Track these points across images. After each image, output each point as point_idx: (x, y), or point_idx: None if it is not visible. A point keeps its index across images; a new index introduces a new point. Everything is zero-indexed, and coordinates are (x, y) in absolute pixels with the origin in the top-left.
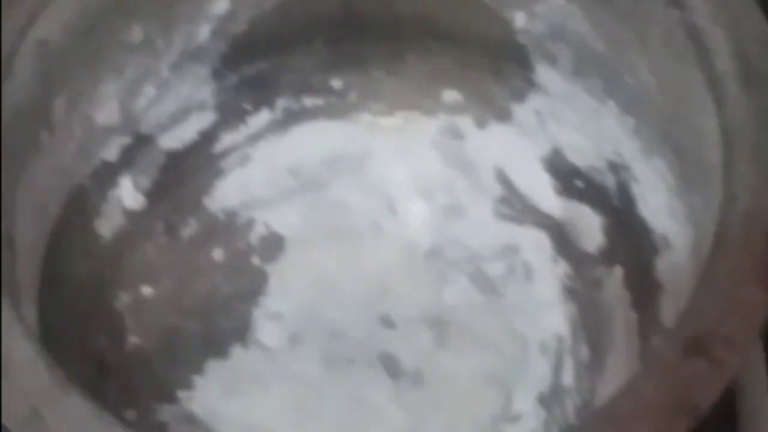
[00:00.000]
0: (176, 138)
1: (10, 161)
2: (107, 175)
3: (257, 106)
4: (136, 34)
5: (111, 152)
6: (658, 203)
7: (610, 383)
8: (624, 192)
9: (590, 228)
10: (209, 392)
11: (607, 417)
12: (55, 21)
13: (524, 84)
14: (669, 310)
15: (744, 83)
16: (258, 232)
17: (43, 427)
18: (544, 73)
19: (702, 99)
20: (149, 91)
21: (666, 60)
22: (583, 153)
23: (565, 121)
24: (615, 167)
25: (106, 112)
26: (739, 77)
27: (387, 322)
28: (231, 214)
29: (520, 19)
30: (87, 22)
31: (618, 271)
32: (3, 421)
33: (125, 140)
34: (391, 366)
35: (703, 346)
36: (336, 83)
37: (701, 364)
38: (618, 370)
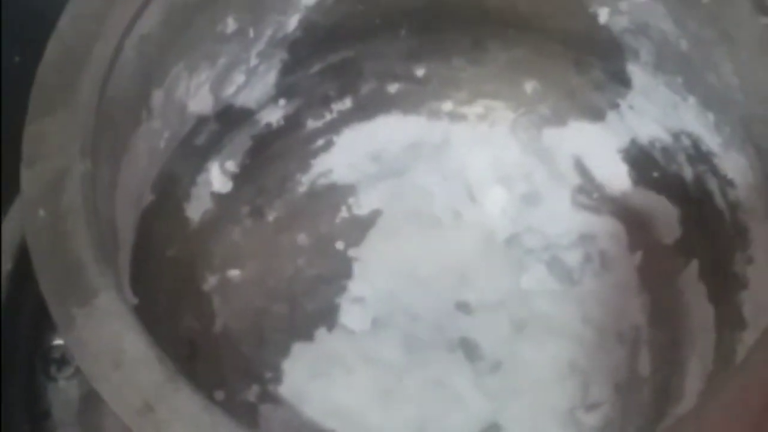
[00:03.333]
0: (263, 123)
1: (112, 150)
2: (197, 159)
3: (341, 93)
4: (231, 24)
5: (201, 138)
6: (735, 197)
7: (687, 374)
8: (701, 185)
9: (667, 219)
10: (295, 374)
11: (699, 418)
12: (157, 15)
13: (605, 76)
14: (749, 304)
15: None
16: (341, 216)
17: (155, 420)
18: (625, 66)
19: None
20: (239, 78)
21: (751, 63)
22: (661, 145)
23: (645, 113)
24: (693, 160)
25: (199, 99)
26: None
27: (466, 308)
28: (315, 199)
29: (603, 14)
30: (186, 16)
31: (694, 263)
32: (118, 414)
33: (214, 126)
34: (470, 351)
35: None
36: (419, 71)
37: None
38: (695, 362)
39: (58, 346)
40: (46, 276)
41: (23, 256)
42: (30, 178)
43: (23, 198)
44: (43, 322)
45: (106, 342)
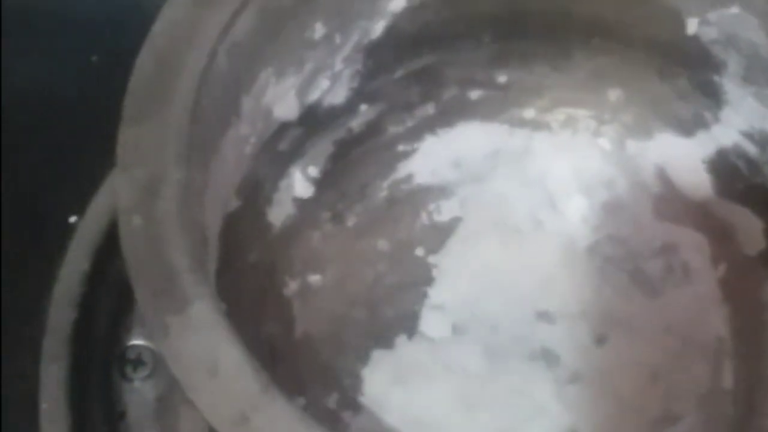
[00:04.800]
0: (345, 129)
1: (202, 156)
2: (280, 165)
3: (423, 99)
4: (319, 30)
5: (284, 143)
6: None
7: None
8: None
9: (751, 231)
10: (375, 381)
11: None
12: (250, 22)
13: (690, 86)
14: None
15: None
16: (421, 222)
17: (251, 430)
18: (712, 77)
19: None
20: (323, 83)
21: None
22: (747, 156)
23: (731, 124)
24: None
25: (284, 105)
26: None
27: (546, 317)
28: (395, 205)
29: (692, 24)
30: (277, 22)
31: None
32: (213, 424)
33: (298, 131)
34: (551, 361)
35: None
36: (501, 78)
37: None
38: None
39: (134, 347)
40: (142, 284)
41: (99, 257)
42: (125, 185)
43: (118, 204)
44: (119, 323)
45: (200, 352)
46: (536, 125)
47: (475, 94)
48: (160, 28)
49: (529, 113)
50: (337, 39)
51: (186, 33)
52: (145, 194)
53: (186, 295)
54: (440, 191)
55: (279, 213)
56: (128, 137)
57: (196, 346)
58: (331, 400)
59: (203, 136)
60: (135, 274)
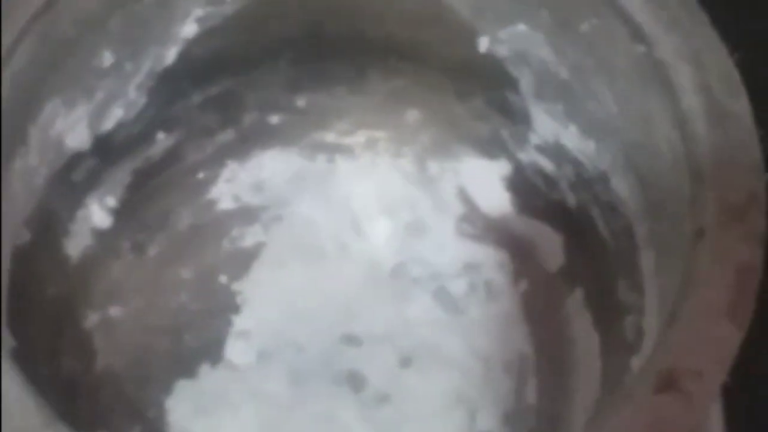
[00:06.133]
0: (143, 157)
1: None
2: (75, 195)
3: (223, 125)
4: (108, 58)
5: (78, 173)
6: (618, 225)
7: (574, 402)
8: (584, 212)
9: (551, 247)
10: (179, 412)
11: None
12: (30, 51)
13: (486, 105)
14: (634, 331)
15: (710, 120)
16: (225, 249)
17: None
18: (506, 95)
19: (667, 132)
20: (117, 112)
21: (630, 91)
22: (544, 173)
23: (527, 141)
24: (575, 188)
25: (76, 135)
26: (705, 114)
27: (352, 340)
28: (198, 232)
29: (484, 43)
30: (60, 51)
31: (579, 291)
32: None
33: (93, 161)
34: (357, 384)
35: (674, 381)
36: (300, 102)
37: (673, 399)
38: (582, 390)
39: None
40: None
41: None
42: None
43: None
44: None
45: None
46: (337, 148)
47: (275, 119)
48: None
49: (329, 136)
50: (128, 66)
51: None
52: None
53: None
54: (243, 217)
55: (76, 244)
56: None
57: None
58: None
59: None
60: None
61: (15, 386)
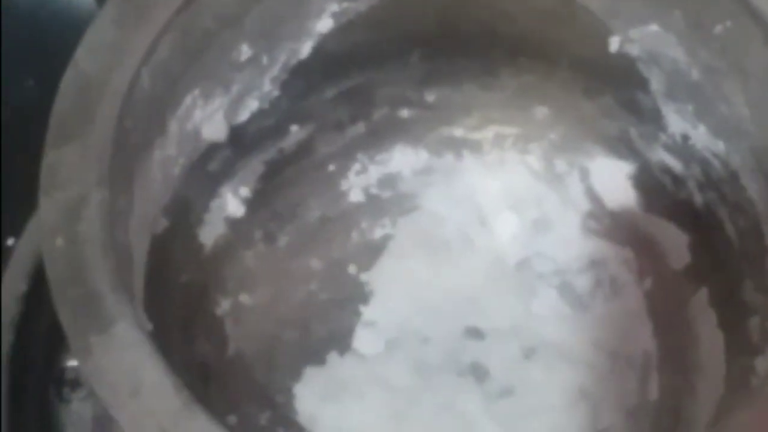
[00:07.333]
0: (275, 149)
1: (127, 177)
2: (210, 185)
3: (354, 119)
4: (245, 52)
5: (214, 164)
6: (745, 225)
7: (697, 400)
8: (711, 212)
9: (676, 246)
10: (307, 398)
11: None
12: (172, 44)
13: (615, 103)
14: (759, 331)
15: None
16: (353, 241)
17: None
18: (635, 94)
19: None
20: (252, 104)
21: (763, 95)
22: (671, 172)
23: (655, 140)
24: (703, 188)
25: (213, 126)
26: None
27: (476, 333)
28: (327, 223)
29: (614, 42)
30: (200, 44)
31: (704, 290)
32: None
33: (228, 152)
34: (480, 376)
35: None
36: (430, 97)
37: None
38: (705, 388)
39: (72, 368)
40: (64, 305)
41: (38, 278)
42: (48, 206)
43: (41, 226)
44: (56, 344)
45: (123, 370)
46: (465, 143)
47: (405, 113)
48: (83, 50)
49: (458, 132)
50: (264, 60)
51: (109, 55)
52: (67, 216)
53: (109, 315)
54: (372, 209)
55: (210, 233)
56: (51, 160)
57: (119, 365)
58: (264, 418)
59: (127, 157)
60: (58, 295)
61: (155, 369)
